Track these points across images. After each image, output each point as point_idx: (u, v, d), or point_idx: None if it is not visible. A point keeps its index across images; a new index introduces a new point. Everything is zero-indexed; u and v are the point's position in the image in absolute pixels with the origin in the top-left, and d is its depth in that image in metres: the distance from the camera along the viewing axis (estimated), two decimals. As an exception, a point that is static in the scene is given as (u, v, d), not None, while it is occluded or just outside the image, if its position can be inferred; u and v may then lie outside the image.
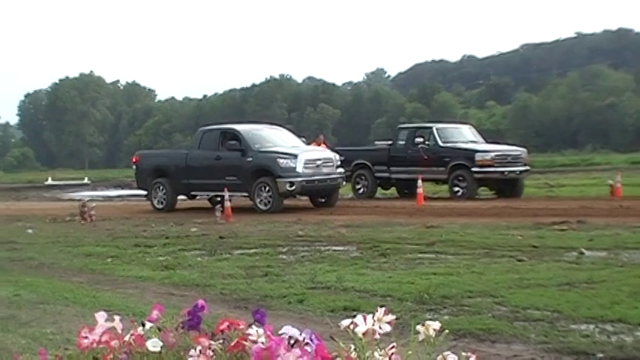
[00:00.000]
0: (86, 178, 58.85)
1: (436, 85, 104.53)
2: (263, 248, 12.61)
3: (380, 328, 1.79)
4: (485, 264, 9.91)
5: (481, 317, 6.85)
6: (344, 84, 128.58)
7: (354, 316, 1.83)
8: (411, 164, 23.92)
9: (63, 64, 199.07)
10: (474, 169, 22.53)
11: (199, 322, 1.87)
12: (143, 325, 1.91)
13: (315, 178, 20.31)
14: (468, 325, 6.56)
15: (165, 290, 9.19)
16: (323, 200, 21.55)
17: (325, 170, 20.65)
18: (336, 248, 12.40)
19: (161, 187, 22.26)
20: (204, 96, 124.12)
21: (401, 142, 24.93)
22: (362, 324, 1.78)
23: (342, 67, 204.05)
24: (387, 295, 8.06)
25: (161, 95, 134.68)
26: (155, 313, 1.91)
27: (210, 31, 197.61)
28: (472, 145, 23.98)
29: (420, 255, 11.09)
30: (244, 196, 20.97)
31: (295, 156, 20.23)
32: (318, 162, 20.64)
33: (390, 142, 25.78)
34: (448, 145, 23.70)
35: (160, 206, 22.17)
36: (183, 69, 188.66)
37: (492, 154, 23.08)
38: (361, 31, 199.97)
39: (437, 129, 24.50)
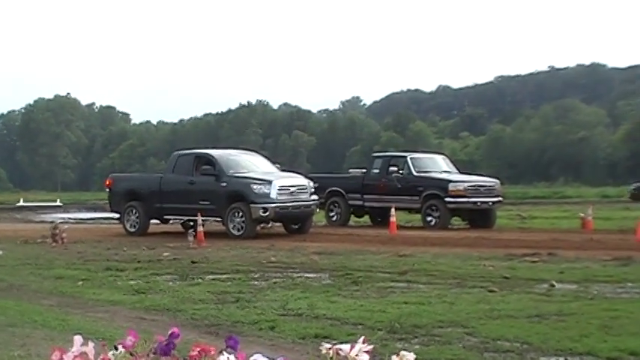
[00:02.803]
0: (58, 200, 58.43)
1: (411, 115, 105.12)
2: (235, 274, 12.58)
3: (358, 356, 1.80)
4: (456, 294, 9.94)
5: (451, 347, 6.87)
6: (319, 111, 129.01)
7: (331, 344, 1.84)
8: (385, 193, 23.95)
9: (38, 85, 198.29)
10: (447, 199, 22.60)
11: (172, 348, 1.87)
12: (115, 348, 1.91)
13: (289, 204, 20.24)
14: (438, 354, 6.58)
15: (136, 315, 9.13)
16: (296, 227, 21.47)
17: (299, 197, 20.59)
18: (308, 275, 12.39)
19: (134, 211, 22.11)
20: (180, 120, 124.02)
21: (375, 171, 24.98)
22: (346, 349, 1.79)
23: (319, 94, 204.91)
24: (359, 323, 8.05)
25: (136, 119, 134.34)
26: (129, 339, 1.91)
27: (187, 56, 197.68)
28: (445, 175, 24.07)
29: (392, 284, 11.10)
30: (217, 220, 20.84)
31: (269, 182, 20.16)
32: (292, 188, 20.59)
33: (364, 170, 25.81)
34: (422, 174, 23.76)
35: (133, 230, 22.00)
36: (160, 93, 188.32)
37: (465, 184, 23.21)
38: (338, 59, 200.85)
39: (411, 158, 24.58)
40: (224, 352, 1.80)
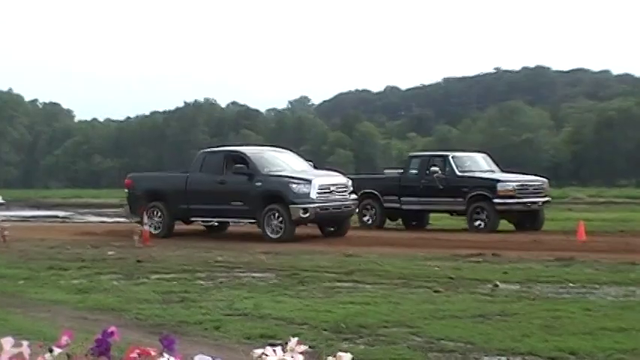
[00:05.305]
0: (0, 198, 57.47)
1: (359, 115, 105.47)
2: (181, 273, 12.50)
3: (292, 358, 1.79)
4: (402, 294, 10.00)
5: (396, 347, 6.91)
6: (268, 110, 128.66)
7: (270, 344, 1.83)
8: (425, 194, 22.49)
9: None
10: (495, 200, 21.15)
11: (108, 349, 1.84)
12: (51, 351, 1.86)
13: (330, 204, 19.06)
14: (383, 354, 6.61)
15: (78, 314, 9.02)
16: (333, 229, 20.24)
17: (339, 196, 19.44)
18: (254, 275, 12.37)
19: (157, 212, 20.66)
20: (127, 118, 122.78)
21: (413, 171, 23.38)
22: (272, 355, 1.78)
23: (267, 93, 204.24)
24: (304, 323, 8.06)
25: (83, 116, 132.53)
26: (64, 339, 1.87)
27: (134, 53, 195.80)
28: (492, 174, 22.89)
29: (338, 284, 11.13)
30: (251, 222, 19.74)
31: (309, 181, 18.96)
32: (332, 187, 19.40)
33: (400, 171, 24.19)
34: (466, 174, 22.34)
35: (156, 232, 20.31)
36: (107, 90, 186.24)
37: (514, 184, 21.90)
38: (286, 59, 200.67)
39: (453, 157, 23.09)
40: (164, 354, 1.78)
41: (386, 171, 26.31)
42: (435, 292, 10.14)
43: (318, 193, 18.81)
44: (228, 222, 21.26)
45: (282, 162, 20.69)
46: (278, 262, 13.93)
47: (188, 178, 20.74)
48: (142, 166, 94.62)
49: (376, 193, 23.23)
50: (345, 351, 1.88)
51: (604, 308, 8.84)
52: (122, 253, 15.97)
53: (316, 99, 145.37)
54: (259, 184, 19.16)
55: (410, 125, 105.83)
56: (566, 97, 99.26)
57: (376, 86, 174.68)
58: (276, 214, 18.80)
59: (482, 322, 7.99)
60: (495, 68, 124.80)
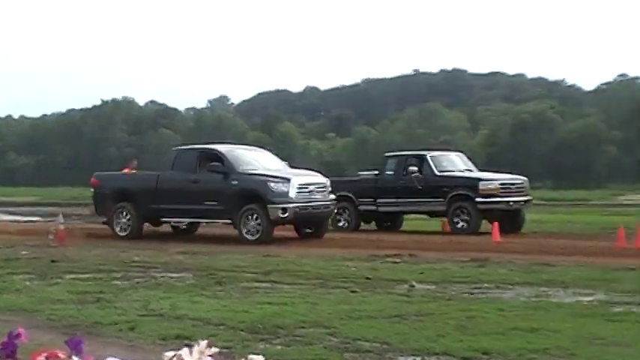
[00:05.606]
0: None
1: (279, 115, 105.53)
2: (96, 273, 12.32)
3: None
4: (319, 294, 10.04)
5: (313, 348, 6.93)
6: (187, 109, 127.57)
7: (186, 345, 1.81)
8: (403, 196, 21.96)
9: None
10: (477, 199, 20.64)
11: (15, 351, 1.80)
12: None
13: (309, 204, 18.44)
14: (298, 355, 6.62)
15: (-11, 315, 8.80)
16: (310, 231, 19.63)
17: (318, 196, 18.85)
18: (171, 275, 12.27)
19: (125, 213, 19.98)
20: (43, 115, 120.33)
21: (389, 172, 22.85)
22: (187, 356, 1.76)
23: (186, 92, 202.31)
24: (221, 323, 8.02)
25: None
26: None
27: (50, 48, 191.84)
28: (471, 173, 22.53)
29: (256, 284, 11.12)
30: (227, 223, 19.05)
31: (288, 180, 18.36)
32: (311, 187, 18.82)
33: (376, 172, 23.51)
34: (445, 173, 21.79)
35: (124, 234, 19.80)
36: (21, 86, 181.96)
37: (497, 182, 21.45)
38: (205, 58, 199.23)
39: (431, 157, 22.39)
40: (74, 357, 1.75)
41: (360, 173, 25.68)
42: (352, 292, 10.20)
43: (297, 193, 18.25)
44: (199, 223, 20.75)
45: (258, 160, 20.04)
46: (195, 262, 13.86)
47: (159, 176, 20.10)
48: (58, 163, 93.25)
49: (351, 195, 22.59)
50: (260, 352, 1.88)
51: (517, 308, 9.02)
52: (36, 253, 15.67)
53: (236, 98, 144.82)
54: (235, 182, 18.52)
55: (329, 126, 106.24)
56: (483, 100, 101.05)
57: (296, 86, 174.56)
58: (254, 215, 18.18)
59: (398, 322, 8.07)
60: (414, 70, 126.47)
